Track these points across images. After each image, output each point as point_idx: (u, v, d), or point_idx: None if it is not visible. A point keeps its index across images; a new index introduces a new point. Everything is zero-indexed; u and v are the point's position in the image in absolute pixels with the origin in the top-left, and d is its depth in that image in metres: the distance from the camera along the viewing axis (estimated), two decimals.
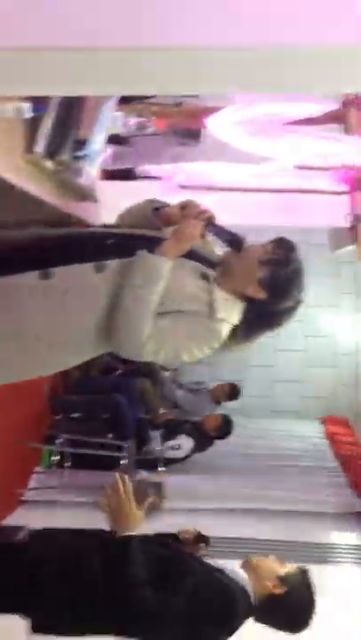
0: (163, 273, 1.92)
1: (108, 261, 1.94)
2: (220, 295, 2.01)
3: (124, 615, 2.16)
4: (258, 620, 2.30)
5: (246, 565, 2.36)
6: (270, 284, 2.01)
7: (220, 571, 2.31)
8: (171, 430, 5.43)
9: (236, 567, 2.35)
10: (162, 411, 5.90)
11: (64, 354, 1.99)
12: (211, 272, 2.04)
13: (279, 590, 2.27)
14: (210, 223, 2.07)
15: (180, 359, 2.00)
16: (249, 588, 2.29)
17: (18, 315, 1.89)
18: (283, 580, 2.30)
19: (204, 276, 2.02)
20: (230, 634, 2.22)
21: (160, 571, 2.20)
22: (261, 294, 2.01)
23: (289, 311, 2.07)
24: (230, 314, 2.01)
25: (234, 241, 2.08)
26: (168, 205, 2.11)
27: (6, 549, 2.52)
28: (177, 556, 2.34)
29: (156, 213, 2.09)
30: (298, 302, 2.07)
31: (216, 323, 1.98)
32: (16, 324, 1.89)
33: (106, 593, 2.17)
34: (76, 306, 1.91)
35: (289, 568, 2.36)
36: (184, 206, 2.07)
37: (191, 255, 2.03)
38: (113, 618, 2.18)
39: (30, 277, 1.89)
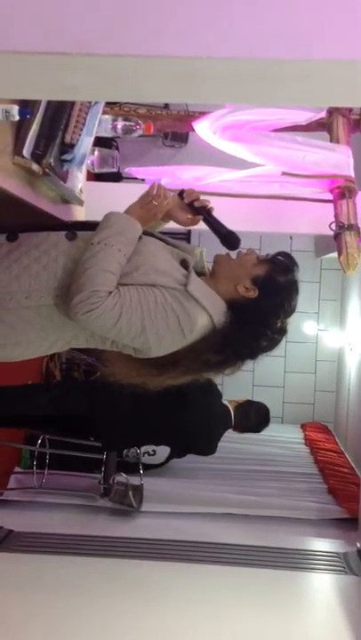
0: (126, 228, 1.88)
1: (81, 232, 1.93)
2: (202, 284, 1.92)
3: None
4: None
5: None
6: (264, 284, 1.95)
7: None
8: None
9: None
10: None
11: (23, 322, 1.87)
12: (190, 258, 1.96)
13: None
14: (208, 214, 2.05)
15: (147, 341, 1.86)
16: None
17: None
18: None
19: (184, 263, 1.95)
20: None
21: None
22: (252, 292, 1.94)
23: (272, 326, 1.99)
24: (210, 304, 1.89)
25: (230, 238, 2.02)
26: None
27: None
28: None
29: None
30: (284, 322, 2.00)
31: (192, 303, 1.86)
32: None
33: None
34: (43, 264, 1.86)
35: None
36: (182, 193, 2.06)
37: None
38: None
39: None
